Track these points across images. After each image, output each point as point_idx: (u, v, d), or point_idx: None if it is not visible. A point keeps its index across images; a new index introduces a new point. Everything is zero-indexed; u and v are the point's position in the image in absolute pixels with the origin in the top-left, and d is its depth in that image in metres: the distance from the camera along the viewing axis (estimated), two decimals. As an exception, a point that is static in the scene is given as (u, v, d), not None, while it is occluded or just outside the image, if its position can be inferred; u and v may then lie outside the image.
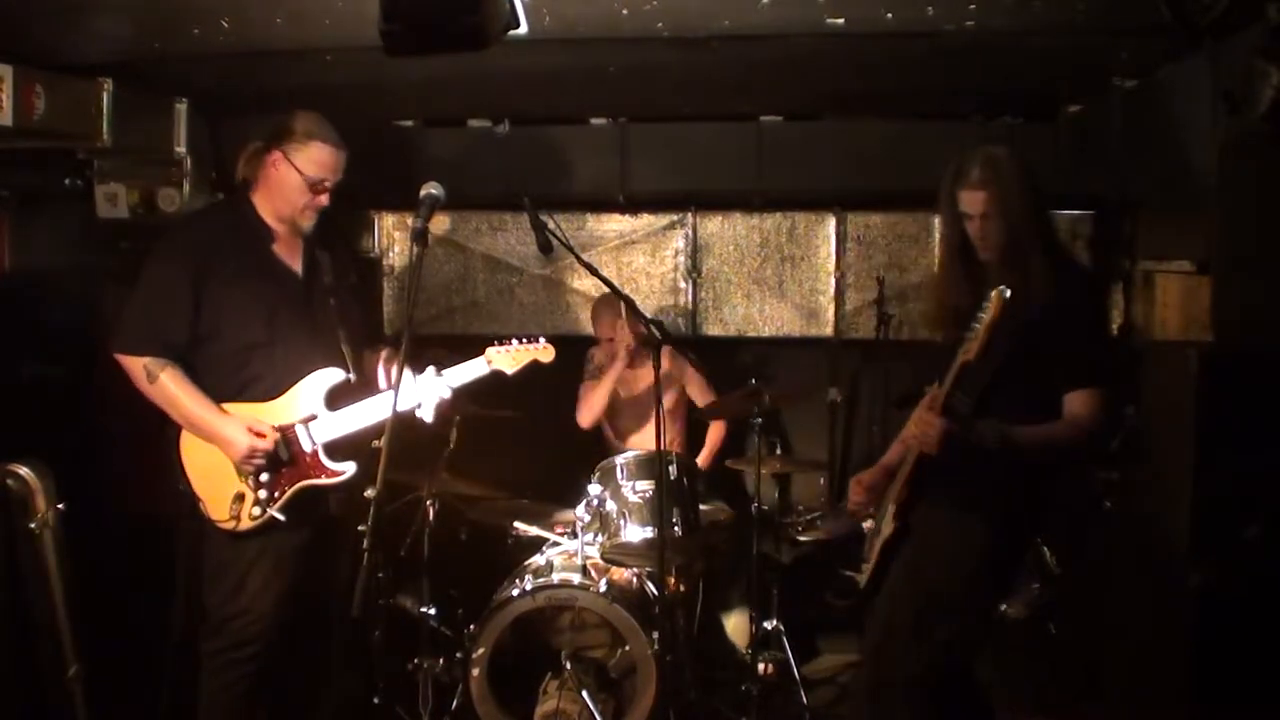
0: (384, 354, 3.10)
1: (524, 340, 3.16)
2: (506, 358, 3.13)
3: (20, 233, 3.34)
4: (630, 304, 3.42)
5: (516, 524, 3.88)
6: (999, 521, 2.67)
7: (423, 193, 2.60)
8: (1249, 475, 2.81)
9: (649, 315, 3.41)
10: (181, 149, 3.61)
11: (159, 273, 2.85)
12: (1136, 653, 3.28)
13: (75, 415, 2.93)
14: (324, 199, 2.93)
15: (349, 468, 2.95)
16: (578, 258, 3.04)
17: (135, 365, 2.81)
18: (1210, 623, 2.84)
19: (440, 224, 4.89)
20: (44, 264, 3.39)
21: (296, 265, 2.98)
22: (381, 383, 3.05)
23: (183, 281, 2.81)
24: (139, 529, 3.35)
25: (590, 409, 4.31)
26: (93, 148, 3.31)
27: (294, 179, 2.87)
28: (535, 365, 3.16)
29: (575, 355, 4.53)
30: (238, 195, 2.98)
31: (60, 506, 2.97)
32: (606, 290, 3.27)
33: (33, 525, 2.91)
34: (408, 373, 3.02)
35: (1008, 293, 2.45)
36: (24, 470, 2.93)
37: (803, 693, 3.90)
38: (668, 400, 4.36)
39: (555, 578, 3.52)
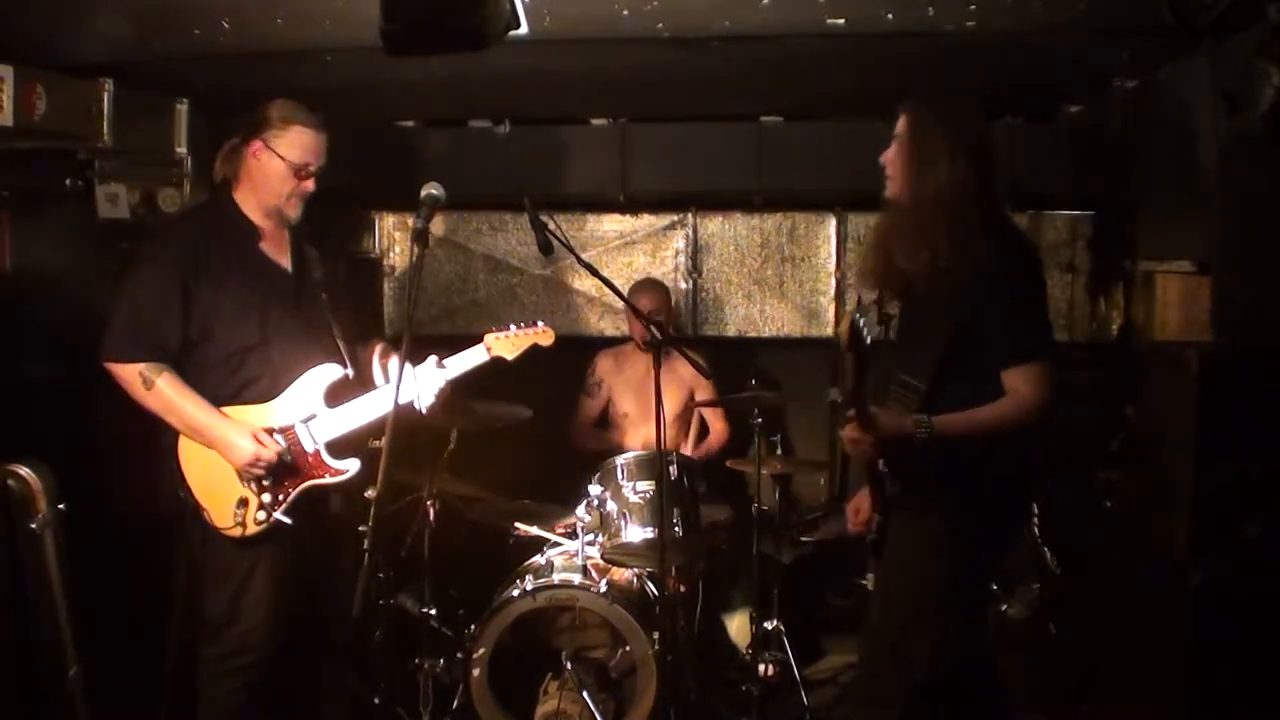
0: (378, 348, 3.07)
1: (522, 325, 3.12)
2: (506, 343, 3.09)
3: (21, 233, 3.34)
4: (630, 305, 3.43)
5: (517, 524, 3.88)
6: (968, 524, 2.58)
7: (423, 193, 2.59)
8: (1249, 475, 2.81)
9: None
10: (182, 149, 3.60)
11: (147, 277, 2.78)
12: (1136, 653, 3.28)
13: (75, 415, 2.93)
14: (309, 184, 2.87)
15: (352, 465, 2.91)
16: (578, 258, 3.04)
17: (130, 373, 2.75)
18: (1210, 623, 2.84)
19: (441, 224, 4.90)
20: (44, 264, 3.39)
21: (285, 262, 2.94)
22: (378, 379, 3.02)
23: (172, 285, 2.75)
24: (139, 529, 3.35)
25: (581, 440, 4.42)
26: (93, 148, 3.31)
27: (277, 166, 2.82)
28: (536, 349, 3.13)
29: (576, 356, 4.53)
30: (220, 195, 2.93)
31: (60, 506, 2.96)
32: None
33: (33, 525, 2.90)
34: (407, 366, 3.02)
35: (858, 318, 2.32)
36: (24, 470, 2.92)
37: (803, 693, 3.90)
38: (678, 403, 4.37)
39: (556, 578, 3.52)
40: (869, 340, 2.34)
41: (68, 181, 3.45)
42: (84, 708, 2.99)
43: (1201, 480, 2.88)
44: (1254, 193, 2.81)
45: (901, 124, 2.61)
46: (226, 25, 2.83)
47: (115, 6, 2.82)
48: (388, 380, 3.01)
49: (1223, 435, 2.85)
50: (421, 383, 2.97)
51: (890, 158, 2.64)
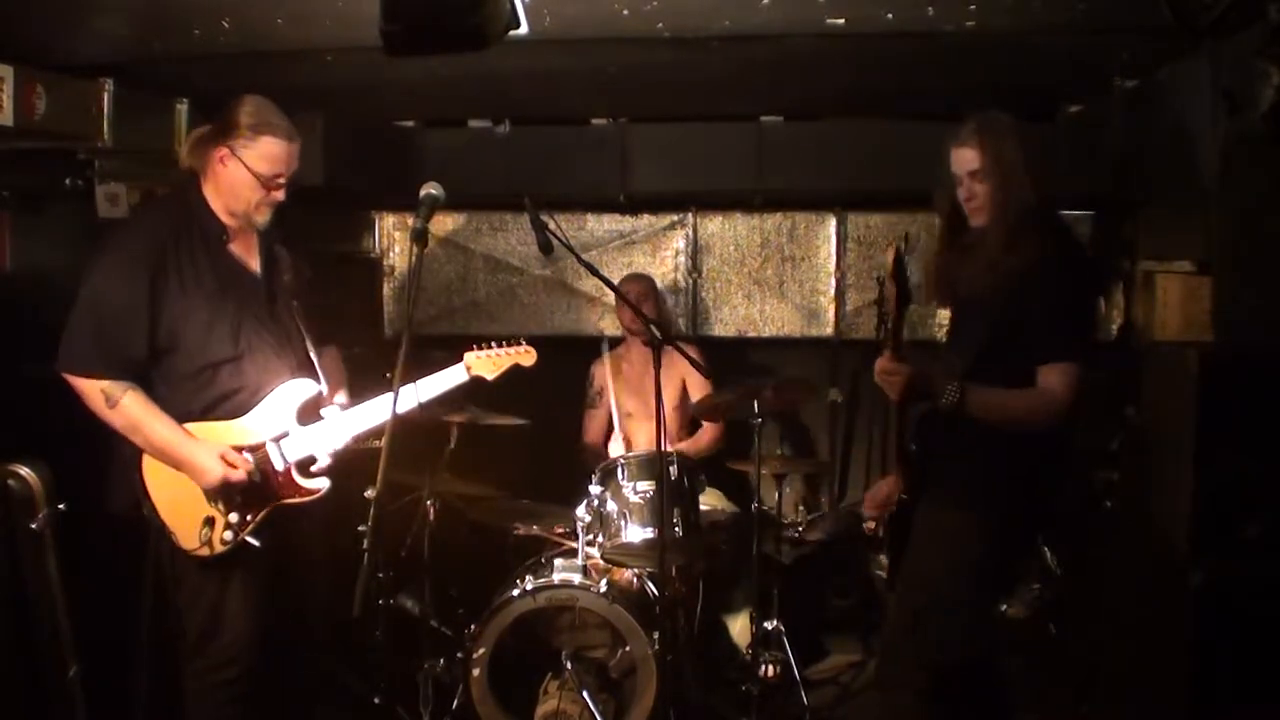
0: (329, 353, 2.94)
1: (504, 344, 3.06)
2: (486, 363, 3.03)
3: (21, 233, 3.33)
4: (630, 304, 3.43)
5: (517, 524, 3.88)
6: (996, 517, 2.67)
7: (422, 193, 2.58)
8: (1249, 475, 2.82)
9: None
10: (182, 149, 3.60)
11: (109, 281, 2.60)
12: (1136, 653, 3.28)
13: (75, 415, 2.92)
14: (279, 194, 2.72)
15: (322, 484, 2.80)
16: (578, 258, 3.04)
17: (90, 388, 2.59)
18: (1210, 623, 2.84)
19: (441, 224, 4.90)
20: (45, 264, 3.38)
21: (255, 265, 2.80)
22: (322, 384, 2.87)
23: (138, 291, 2.58)
24: (139, 529, 3.35)
25: (592, 459, 4.35)
26: (94, 148, 3.30)
27: (244, 177, 2.67)
28: (517, 369, 3.10)
29: (576, 356, 4.54)
30: (188, 188, 2.76)
31: (61, 506, 2.95)
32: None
33: (33, 525, 2.90)
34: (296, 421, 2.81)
35: (902, 246, 2.55)
36: (24, 470, 2.91)
37: (803, 693, 3.90)
38: (675, 392, 4.37)
39: (556, 578, 3.52)
40: (910, 274, 2.52)
41: (68, 181, 3.45)
42: (84, 707, 2.99)
43: (1201, 480, 2.89)
44: (1254, 193, 2.81)
45: (975, 157, 2.67)
46: (226, 25, 2.82)
47: (115, 6, 2.81)
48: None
49: (1223, 435, 2.86)
50: (317, 440, 2.79)
51: (976, 191, 2.70)
